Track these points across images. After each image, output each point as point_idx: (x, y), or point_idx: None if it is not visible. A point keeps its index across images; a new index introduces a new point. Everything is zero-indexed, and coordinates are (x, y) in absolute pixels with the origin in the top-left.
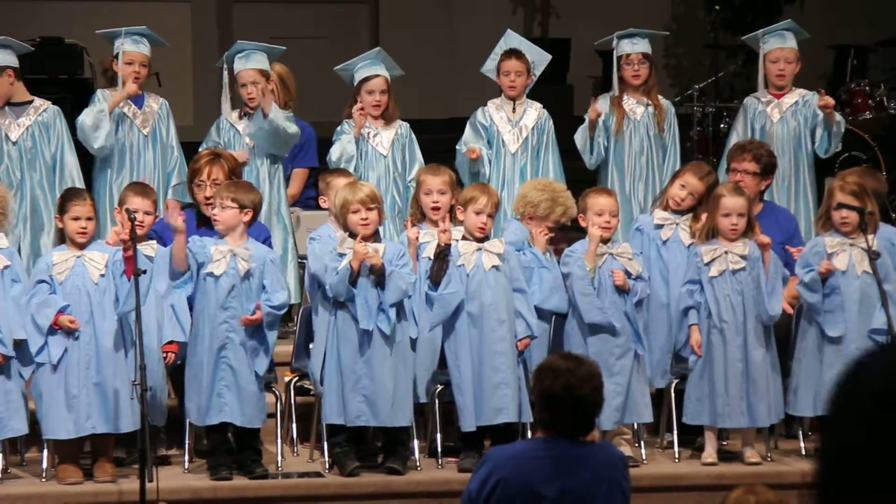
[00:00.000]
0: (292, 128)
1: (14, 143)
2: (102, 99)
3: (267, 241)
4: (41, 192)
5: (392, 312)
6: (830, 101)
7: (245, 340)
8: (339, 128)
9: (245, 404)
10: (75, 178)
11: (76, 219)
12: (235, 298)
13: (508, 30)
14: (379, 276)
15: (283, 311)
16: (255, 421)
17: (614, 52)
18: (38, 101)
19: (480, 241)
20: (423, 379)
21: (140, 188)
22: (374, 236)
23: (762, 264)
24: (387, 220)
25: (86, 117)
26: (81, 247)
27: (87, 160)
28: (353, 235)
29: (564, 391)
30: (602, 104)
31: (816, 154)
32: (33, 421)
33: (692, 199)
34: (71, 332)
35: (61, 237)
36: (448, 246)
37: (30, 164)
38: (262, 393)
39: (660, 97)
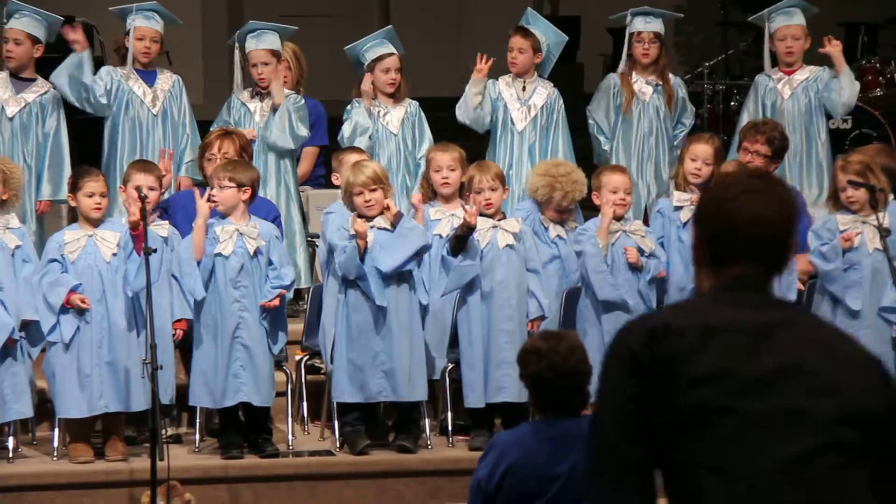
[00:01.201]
0: (299, 130)
1: (10, 119)
2: (104, 74)
3: (276, 220)
4: (27, 171)
5: (408, 259)
6: (838, 44)
7: (259, 319)
8: (348, 107)
9: (261, 384)
10: (66, 167)
11: (90, 195)
12: (246, 277)
13: (529, 8)
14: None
15: (293, 288)
16: (269, 399)
17: (627, 28)
18: (40, 81)
19: (496, 217)
20: (432, 357)
21: (143, 165)
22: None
23: None
24: (397, 198)
25: (58, 76)
26: (94, 225)
27: (97, 139)
28: (361, 217)
29: (550, 372)
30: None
31: (830, 129)
32: (45, 400)
33: (707, 166)
34: (82, 312)
35: (73, 216)
36: (472, 228)
37: (23, 143)
38: (273, 371)
39: (672, 77)
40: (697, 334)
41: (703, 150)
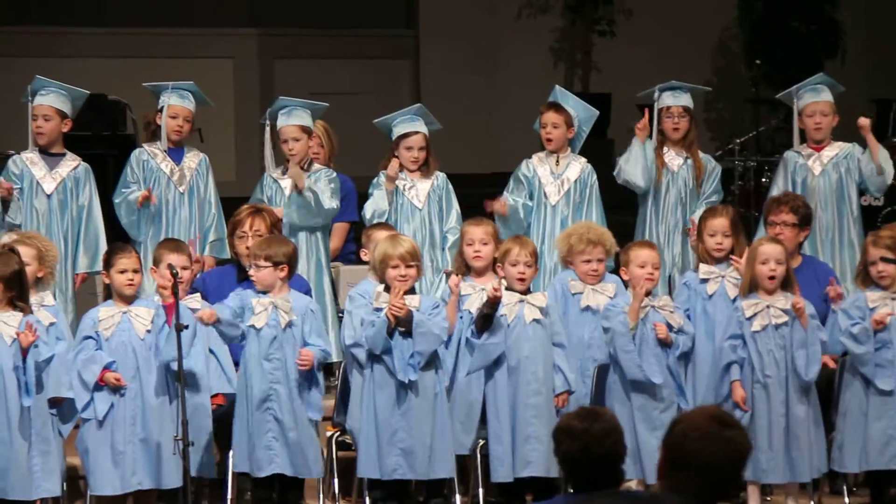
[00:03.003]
0: (330, 203)
1: (48, 196)
2: (136, 168)
3: (308, 294)
4: (63, 245)
5: (419, 361)
6: (866, 121)
7: (292, 391)
8: (374, 180)
9: (295, 455)
10: (101, 237)
11: (123, 271)
12: (278, 349)
13: (557, 86)
14: (407, 326)
15: (328, 356)
16: (307, 471)
17: (655, 104)
18: (69, 156)
19: (523, 293)
20: (459, 432)
21: (173, 244)
22: (411, 290)
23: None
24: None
25: (119, 208)
26: (128, 302)
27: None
28: (389, 289)
29: (583, 453)
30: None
31: (861, 205)
32: (76, 477)
33: (726, 238)
34: (117, 389)
35: (108, 293)
36: (497, 303)
37: (59, 218)
38: (318, 441)
39: (700, 154)
40: None
41: (720, 224)
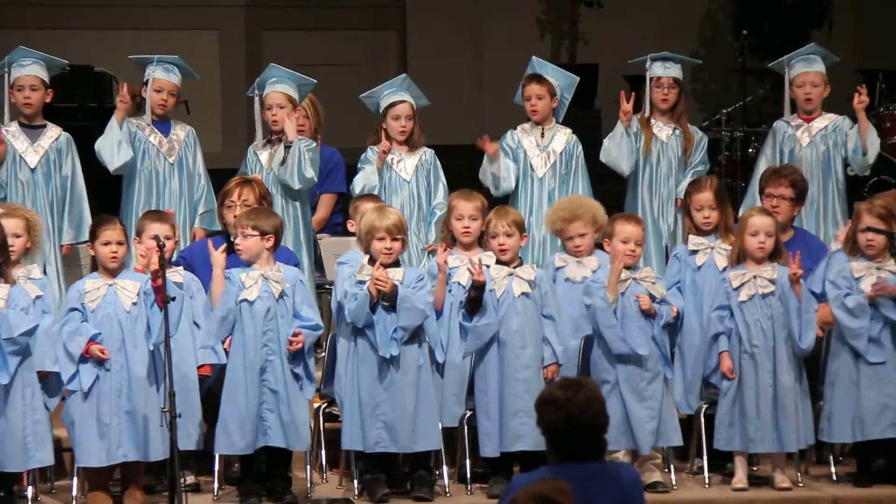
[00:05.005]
0: (309, 171)
1: (32, 170)
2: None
3: (297, 266)
4: (49, 216)
5: (402, 336)
6: (865, 99)
7: (286, 363)
8: (363, 155)
9: (287, 427)
10: (84, 208)
11: (107, 244)
12: (273, 320)
13: (533, 56)
14: (391, 300)
15: (320, 331)
16: (299, 443)
17: (647, 73)
18: (50, 127)
19: (510, 264)
20: (451, 404)
21: (156, 214)
22: (395, 263)
23: (793, 294)
24: (410, 245)
25: (99, 144)
26: (113, 274)
27: (115, 189)
28: (373, 261)
29: (566, 423)
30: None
31: (847, 177)
32: (64, 448)
33: (713, 211)
34: (102, 361)
35: (93, 265)
36: (482, 286)
37: (44, 190)
38: (308, 415)
39: (690, 126)
40: None
41: (705, 197)
